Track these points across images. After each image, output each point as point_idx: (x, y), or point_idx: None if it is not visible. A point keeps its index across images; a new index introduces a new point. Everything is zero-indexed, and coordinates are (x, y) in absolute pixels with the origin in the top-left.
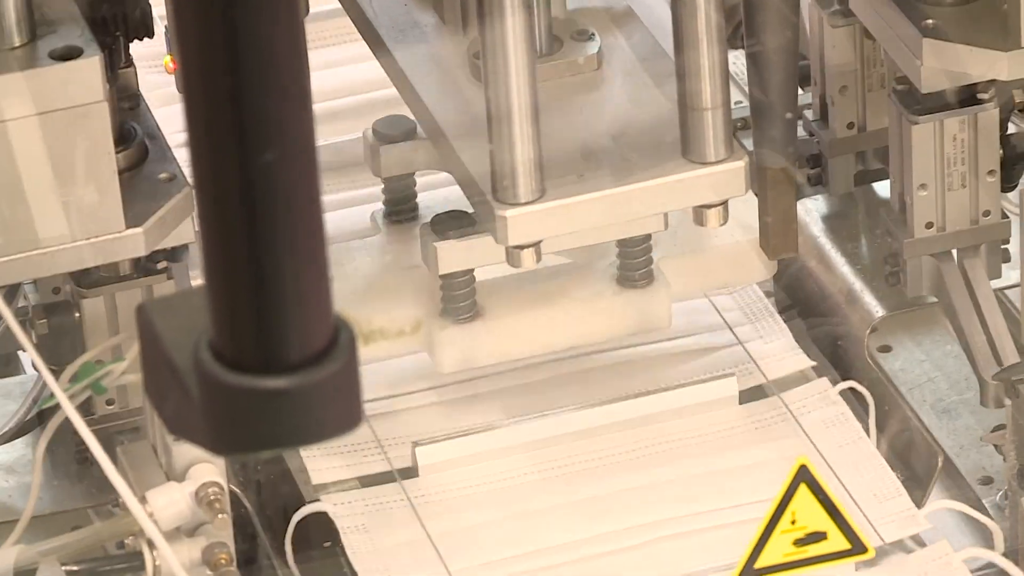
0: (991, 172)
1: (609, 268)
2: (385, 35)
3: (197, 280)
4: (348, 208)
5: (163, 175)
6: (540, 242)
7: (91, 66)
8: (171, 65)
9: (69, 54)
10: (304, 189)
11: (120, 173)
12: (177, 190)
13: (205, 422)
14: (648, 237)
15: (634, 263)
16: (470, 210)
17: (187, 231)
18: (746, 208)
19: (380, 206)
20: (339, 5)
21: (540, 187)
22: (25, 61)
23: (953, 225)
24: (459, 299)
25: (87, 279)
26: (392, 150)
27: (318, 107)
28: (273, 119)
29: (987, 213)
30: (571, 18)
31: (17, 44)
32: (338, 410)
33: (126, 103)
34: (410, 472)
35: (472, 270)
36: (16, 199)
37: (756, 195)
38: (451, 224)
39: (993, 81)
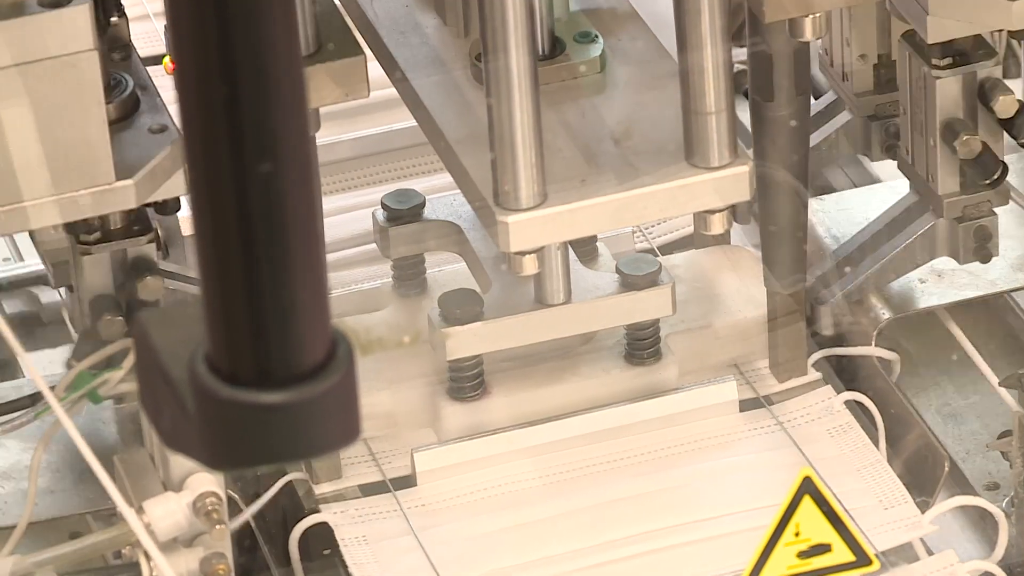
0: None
1: (617, 346)
2: (386, 36)
3: (188, 234)
4: (347, 213)
5: (154, 126)
6: (542, 248)
7: (80, 14)
8: (170, 66)
9: (58, 2)
10: (302, 199)
11: (111, 124)
12: (168, 142)
13: (201, 436)
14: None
15: (642, 342)
16: (477, 288)
17: (178, 183)
18: (754, 282)
19: (380, 212)
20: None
21: (542, 192)
22: (14, 8)
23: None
24: (466, 380)
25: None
26: (401, 232)
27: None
28: (270, 128)
29: None
30: (574, 20)
31: None
32: (336, 424)
33: (117, 54)
34: (409, 479)
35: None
36: (4, 150)
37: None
38: (458, 303)
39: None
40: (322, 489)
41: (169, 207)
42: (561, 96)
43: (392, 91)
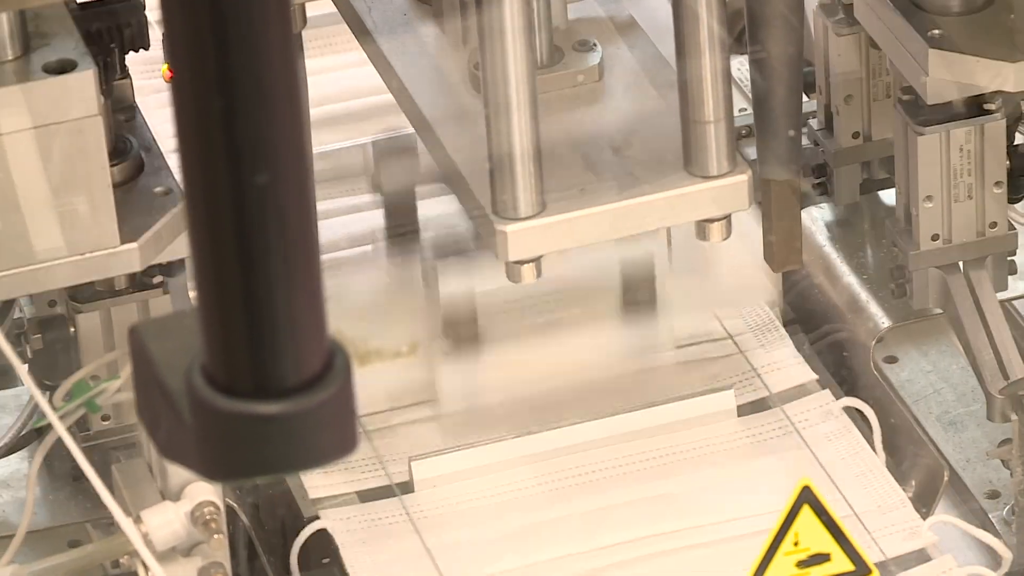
0: (998, 183)
1: (613, 291)
2: (384, 45)
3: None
4: (347, 216)
5: (159, 189)
6: (540, 257)
7: (85, 80)
8: (168, 73)
9: (63, 68)
10: (298, 210)
11: (115, 187)
12: (173, 204)
13: (198, 447)
14: (651, 260)
15: (638, 286)
16: (471, 229)
17: (183, 245)
18: (751, 224)
19: (379, 217)
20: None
21: (540, 201)
22: (19, 74)
23: (959, 237)
24: (460, 320)
25: (82, 294)
26: (392, 165)
27: (316, 112)
28: (266, 139)
29: (993, 225)
30: (572, 28)
31: (10, 57)
32: (333, 435)
33: (122, 115)
34: (407, 487)
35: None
36: (10, 214)
37: (760, 206)
38: (452, 244)
39: (999, 91)
40: (319, 495)
41: (174, 269)
42: (560, 105)
43: (389, 98)
